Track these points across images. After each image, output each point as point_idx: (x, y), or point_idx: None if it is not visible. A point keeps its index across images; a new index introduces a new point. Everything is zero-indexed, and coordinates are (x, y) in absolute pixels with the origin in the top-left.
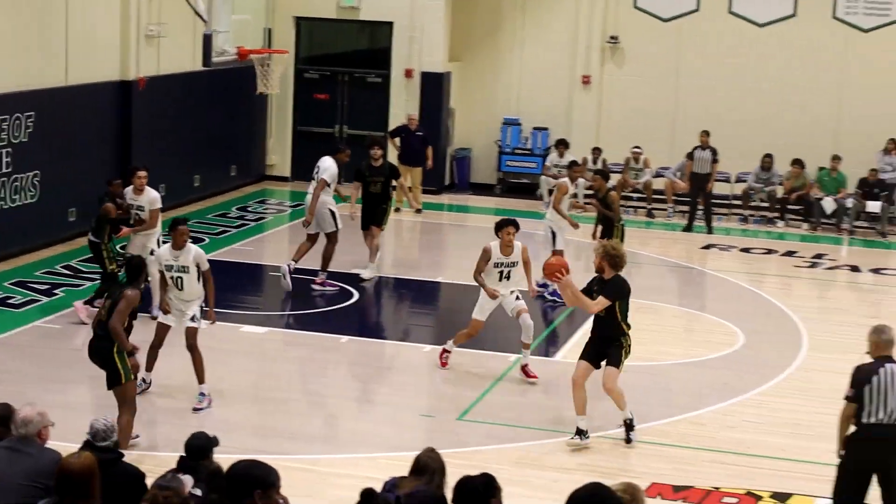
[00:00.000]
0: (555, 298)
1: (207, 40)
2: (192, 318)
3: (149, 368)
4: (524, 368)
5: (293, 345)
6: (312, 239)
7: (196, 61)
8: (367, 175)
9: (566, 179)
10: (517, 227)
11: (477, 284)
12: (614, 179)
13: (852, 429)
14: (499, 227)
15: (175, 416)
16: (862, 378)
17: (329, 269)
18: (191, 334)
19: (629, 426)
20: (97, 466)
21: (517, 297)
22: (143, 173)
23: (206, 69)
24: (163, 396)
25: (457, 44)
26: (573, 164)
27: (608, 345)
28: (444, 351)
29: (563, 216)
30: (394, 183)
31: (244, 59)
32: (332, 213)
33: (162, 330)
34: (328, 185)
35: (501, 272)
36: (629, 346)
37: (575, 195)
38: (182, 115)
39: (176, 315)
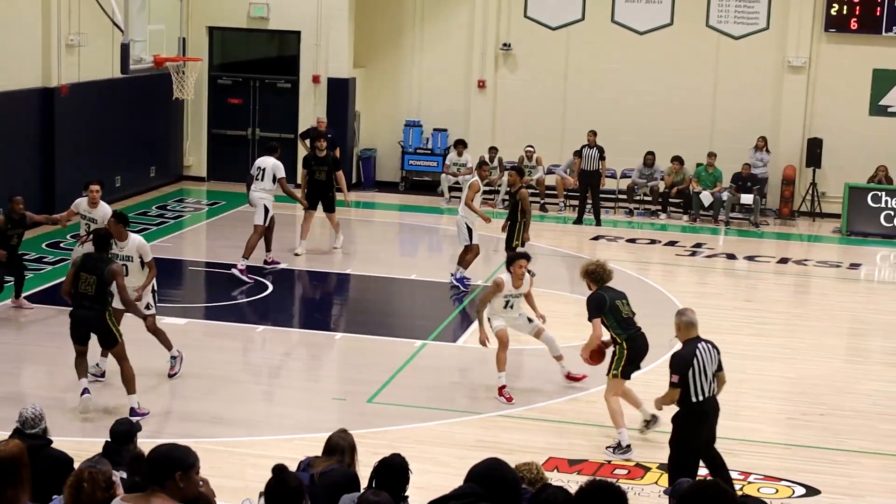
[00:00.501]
0: (458, 285)
1: (125, 49)
2: (147, 307)
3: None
4: (568, 376)
5: (212, 335)
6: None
7: (115, 69)
8: (312, 164)
9: (476, 178)
10: (529, 259)
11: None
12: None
13: (675, 409)
14: (511, 262)
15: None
16: (683, 363)
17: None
18: (150, 321)
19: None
20: (26, 453)
21: (529, 319)
22: (96, 187)
23: (125, 76)
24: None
25: (360, 51)
26: (483, 163)
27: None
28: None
29: (475, 212)
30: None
31: (160, 67)
32: (266, 209)
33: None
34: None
35: (508, 302)
36: (623, 355)
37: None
38: (103, 119)
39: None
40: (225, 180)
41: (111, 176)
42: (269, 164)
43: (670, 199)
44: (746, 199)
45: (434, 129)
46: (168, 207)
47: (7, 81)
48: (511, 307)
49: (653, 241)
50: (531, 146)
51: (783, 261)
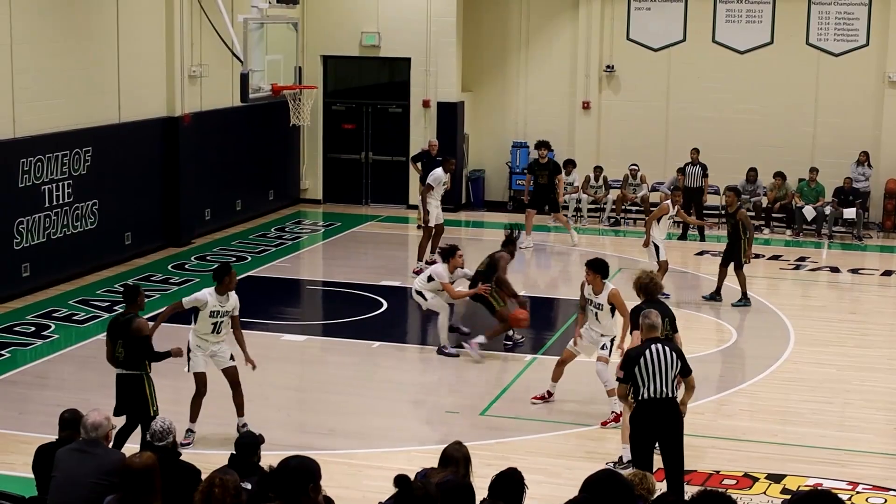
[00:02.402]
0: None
1: (244, 79)
2: (231, 357)
3: (193, 419)
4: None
5: (330, 351)
6: (428, 233)
7: (235, 98)
8: (536, 169)
9: (668, 202)
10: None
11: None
12: (613, 195)
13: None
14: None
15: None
16: (628, 360)
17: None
18: (234, 373)
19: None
20: (157, 464)
21: (603, 346)
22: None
23: (244, 104)
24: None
25: (468, 75)
26: (676, 188)
27: None
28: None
29: (647, 232)
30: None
31: (278, 95)
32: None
33: (201, 379)
34: (433, 189)
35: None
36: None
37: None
38: (224, 146)
39: (203, 357)
40: (340, 202)
41: (232, 199)
42: (435, 174)
43: (773, 214)
44: (849, 213)
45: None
46: (286, 229)
47: (134, 111)
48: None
49: (757, 256)
50: (635, 164)
51: (887, 273)
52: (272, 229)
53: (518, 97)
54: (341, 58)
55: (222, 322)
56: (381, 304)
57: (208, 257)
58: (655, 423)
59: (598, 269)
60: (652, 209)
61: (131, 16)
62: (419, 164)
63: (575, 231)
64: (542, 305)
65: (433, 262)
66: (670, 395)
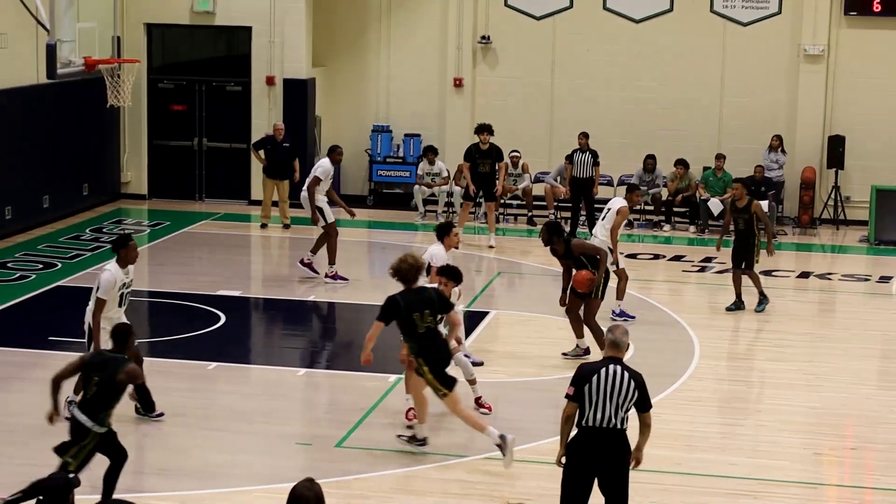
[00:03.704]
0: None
1: (51, 50)
2: None
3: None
4: (478, 401)
5: (159, 373)
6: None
7: (40, 73)
8: (476, 156)
9: (624, 205)
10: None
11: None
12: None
13: (575, 431)
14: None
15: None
16: (579, 376)
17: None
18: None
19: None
20: None
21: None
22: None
23: (51, 81)
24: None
25: (320, 48)
26: (634, 186)
27: None
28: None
29: (614, 244)
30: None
31: (92, 70)
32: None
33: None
34: (321, 182)
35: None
36: (424, 371)
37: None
38: (27, 131)
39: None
40: (168, 197)
41: (37, 195)
42: (320, 163)
43: (675, 209)
44: (761, 205)
45: (405, 135)
46: (104, 230)
47: None
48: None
49: (656, 256)
50: (516, 151)
51: (804, 275)
52: (87, 230)
53: (379, 73)
54: (169, 26)
55: (127, 293)
56: (219, 318)
57: (9, 265)
58: (597, 456)
59: (451, 277)
60: (536, 203)
61: None
62: (262, 153)
63: (494, 234)
64: None
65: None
66: (618, 426)
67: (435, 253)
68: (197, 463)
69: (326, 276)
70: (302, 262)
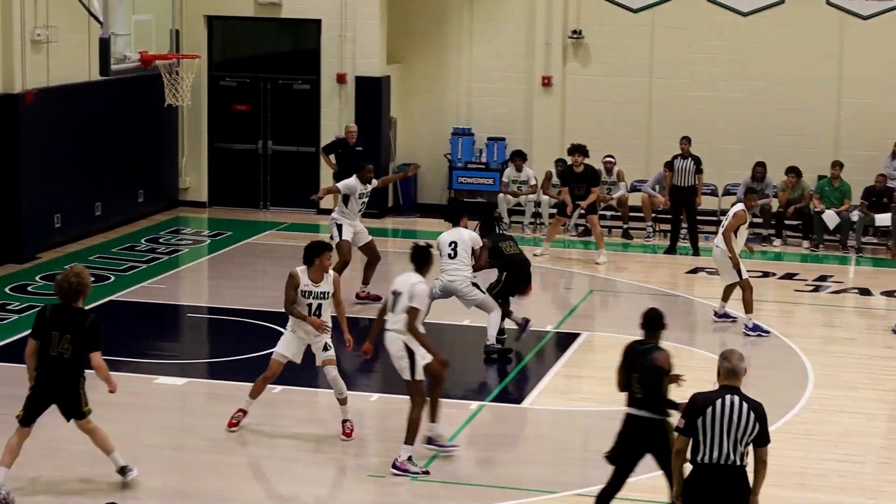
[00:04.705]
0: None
1: (105, 45)
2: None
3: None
4: (344, 424)
5: (219, 397)
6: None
7: (93, 70)
8: (570, 180)
9: (741, 208)
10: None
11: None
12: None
13: (689, 468)
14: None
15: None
16: (693, 407)
17: None
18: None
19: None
20: None
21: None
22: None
23: (105, 78)
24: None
25: (396, 43)
26: (751, 190)
27: None
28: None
29: (730, 250)
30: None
31: (149, 67)
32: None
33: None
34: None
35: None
36: None
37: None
38: (78, 133)
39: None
40: (230, 205)
41: (89, 202)
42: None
43: (786, 221)
44: (882, 219)
45: (488, 139)
46: (160, 240)
47: None
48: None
49: (765, 274)
50: (610, 157)
51: None
52: (142, 240)
53: (460, 71)
54: (232, 19)
55: (320, 305)
56: None
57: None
58: (715, 496)
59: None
60: (633, 214)
61: None
62: (333, 157)
63: (604, 250)
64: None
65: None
66: (737, 462)
67: (472, 238)
68: (260, 495)
69: (358, 296)
70: (358, 296)
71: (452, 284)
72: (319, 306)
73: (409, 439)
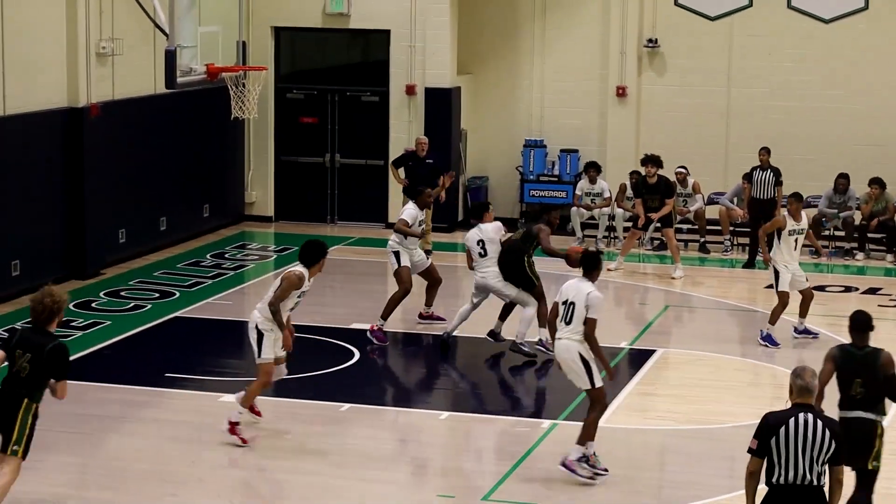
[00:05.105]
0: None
1: (171, 57)
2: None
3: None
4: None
5: (286, 415)
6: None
7: (158, 83)
8: (643, 192)
9: (785, 212)
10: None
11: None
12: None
13: (763, 489)
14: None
15: None
16: (766, 427)
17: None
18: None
19: None
20: None
21: None
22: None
23: (171, 91)
24: None
25: (466, 53)
26: (797, 195)
27: None
28: None
29: (762, 246)
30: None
31: (215, 79)
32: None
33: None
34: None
35: None
36: None
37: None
38: (144, 146)
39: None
40: (297, 220)
41: (154, 216)
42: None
43: (869, 234)
44: None
45: (561, 151)
46: (226, 255)
47: (25, 101)
48: None
49: (847, 289)
50: (682, 168)
51: None
52: (208, 256)
53: (532, 81)
54: (299, 30)
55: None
56: (353, 355)
57: (122, 293)
58: None
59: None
60: (710, 227)
61: None
62: (402, 171)
63: (680, 264)
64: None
65: (430, 315)
66: (815, 482)
67: (494, 228)
68: None
69: (421, 316)
70: (421, 315)
71: (484, 280)
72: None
73: (582, 439)
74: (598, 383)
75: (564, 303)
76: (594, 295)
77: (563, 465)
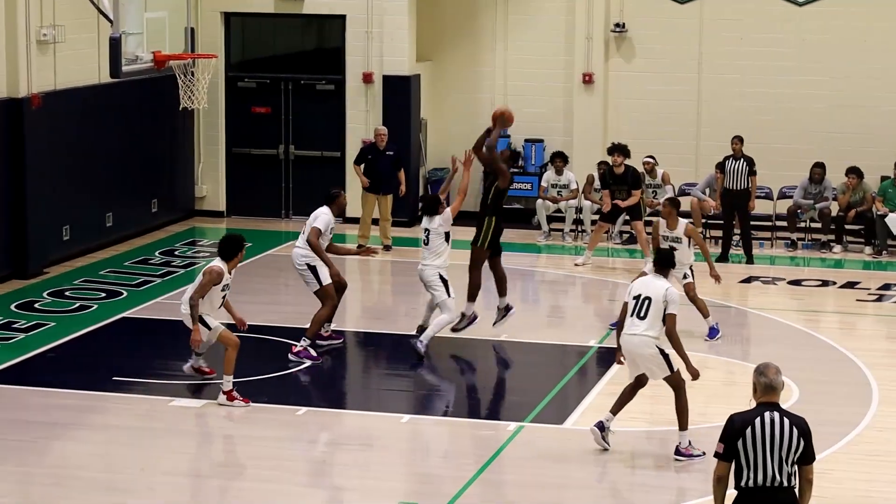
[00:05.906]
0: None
1: (115, 44)
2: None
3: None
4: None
5: (238, 420)
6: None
7: (103, 72)
8: (610, 183)
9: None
10: None
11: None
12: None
13: (732, 494)
14: None
15: None
16: (730, 429)
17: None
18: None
19: None
20: None
21: None
22: None
23: (116, 81)
24: None
25: (426, 39)
26: (672, 200)
27: None
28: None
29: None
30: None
31: (162, 67)
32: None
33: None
34: (321, 234)
35: None
36: None
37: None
38: (88, 138)
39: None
40: (250, 215)
41: (99, 212)
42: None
43: (846, 226)
44: None
45: (526, 141)
46: (176, 252)
47: None
48: None
49: (825, 283)
50: (650, 157)
51: None
52: (156, 253)
53: (494, 68)
54: (250, 16)
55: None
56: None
57: (67, 293)
58: None
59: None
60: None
61: None
62: (363, 166)
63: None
64: (533, 352)
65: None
66: (785, 483)
67: (446, 217)
68: None
69: (321, 336)
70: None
71: (421, 273)
72: (224, 296)
73: (683, 425)
74: (675, 367)
75: (636, 298)
76: (672, 291)
77: (678, 453)
